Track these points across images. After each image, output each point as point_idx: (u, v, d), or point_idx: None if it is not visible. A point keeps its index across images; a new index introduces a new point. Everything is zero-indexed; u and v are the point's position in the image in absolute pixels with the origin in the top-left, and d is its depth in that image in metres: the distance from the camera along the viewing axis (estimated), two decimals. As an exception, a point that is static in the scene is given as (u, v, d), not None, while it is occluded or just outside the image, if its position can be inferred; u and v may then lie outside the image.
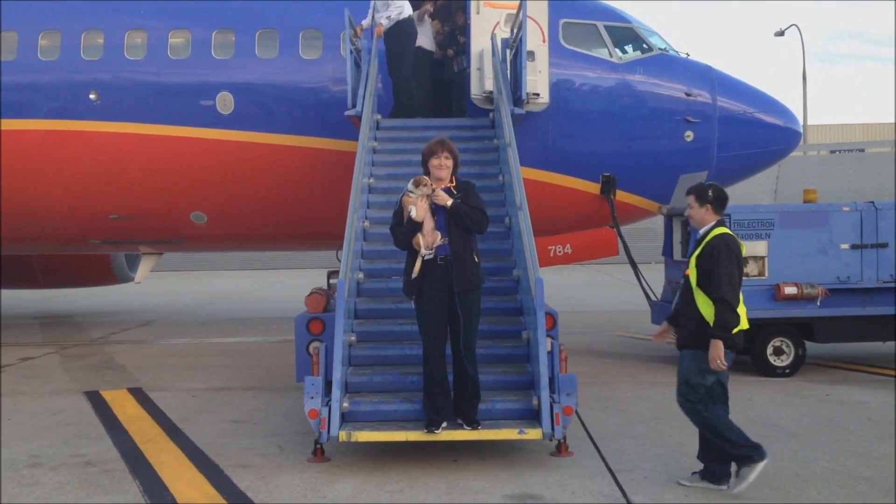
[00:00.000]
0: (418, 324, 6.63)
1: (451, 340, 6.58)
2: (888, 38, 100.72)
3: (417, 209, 6.40)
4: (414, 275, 6.43)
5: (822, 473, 6.23)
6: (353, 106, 10.44)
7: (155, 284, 25.62)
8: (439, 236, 6.42)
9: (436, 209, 6.49)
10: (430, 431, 6.44)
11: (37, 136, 12.17)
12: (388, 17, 10.98)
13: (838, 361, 10.91)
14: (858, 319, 10.15)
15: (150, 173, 12.30)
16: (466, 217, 6.47)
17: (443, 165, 6.58)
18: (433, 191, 6.45)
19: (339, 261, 8.29)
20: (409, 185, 6.51)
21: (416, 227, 6.42)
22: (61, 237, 13.47)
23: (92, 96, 12.14)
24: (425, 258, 6.39)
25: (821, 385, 9.50)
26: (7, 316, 18.42)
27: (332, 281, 9.85)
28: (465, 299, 6.45)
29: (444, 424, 6.49)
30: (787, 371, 9.98)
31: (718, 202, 6.09)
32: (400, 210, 6.56)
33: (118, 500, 5.87)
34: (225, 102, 12.10)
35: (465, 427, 6.51)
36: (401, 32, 11.09)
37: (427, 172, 6.67)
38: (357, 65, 11.03)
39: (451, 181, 6.65)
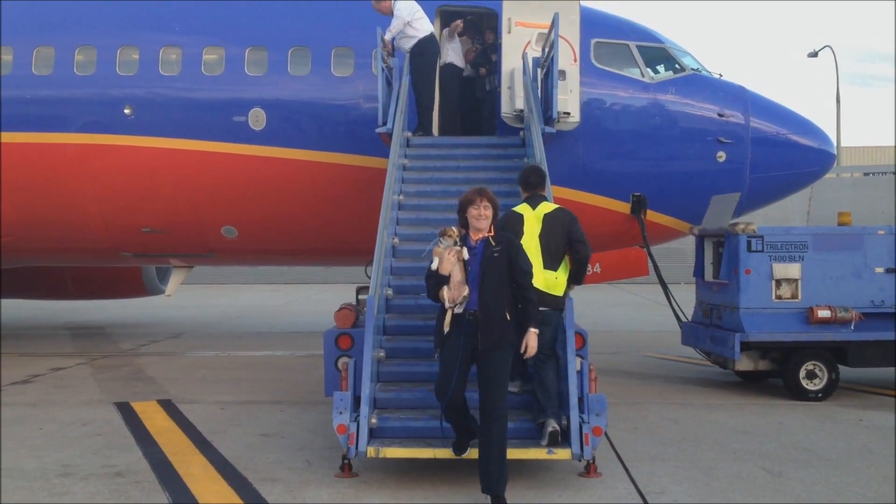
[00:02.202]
0: (438, 376, 6.19)
1: (480, 405, 6.09)
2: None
3: (442, 261, 5.98)
4: (446, 329, 6.02)
5: (856, 499, 6.14)
6: (384, 123, 10.49)
7: (184, 297, 25.78)
8: (466, 290, 5.98)
9: (469, 260, 6.08)
10: (458, 455, 6.33)
11: (72, 149, 12.32)
12: (391, 29, 11.02)
13: (872, 386, 10.75)
14: (892, 344, 10.00)
15: (182, 188, 12.40)
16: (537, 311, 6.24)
17: (482, 216, 6.09)
18: (457, 242, 6.04)
19: (368, 276, 8.31)
20: (438, 236, 6.13)
21: (443, 279, 6.01)
22: (94, 250, 13.61)
23: (126, 111, 12.28)
24: (455, 311, 6.00)
25: (854, 410, 9.36)
26: (39, 326, 18.67)
27: (360, 297, 9.85)
28: (491, 358, 5.98)
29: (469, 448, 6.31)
30: (820, 395, 9.85)
31: (519, 180, 7.56)
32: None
33: (147, 512, 5.91)
34: (257, 118, 12.20)
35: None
36: (423, 50, 11.15)
37: (464, 222, 6.22)
38: (388, 82, 11.09)
39: (489, 230, 6.17)
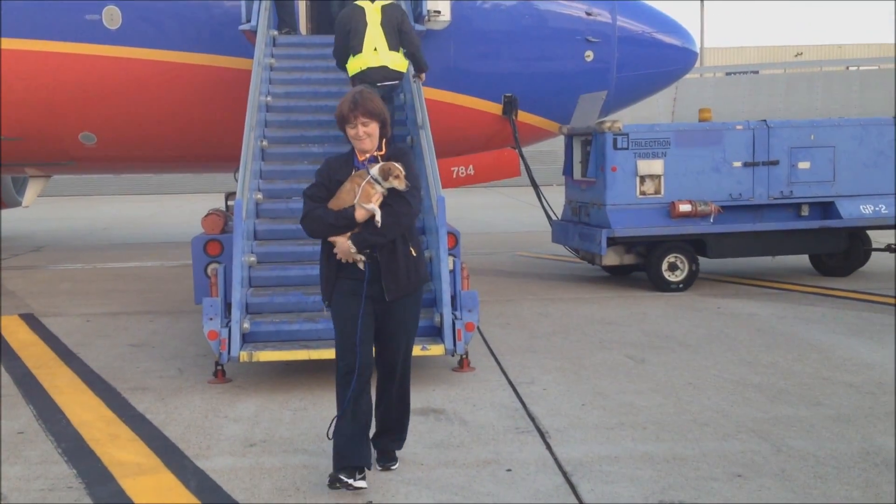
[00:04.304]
0: (335, 341, 4.69)
1: (378, 360, 4.78)
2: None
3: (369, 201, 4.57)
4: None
5: (713, 381, 6.49)
6: (248, 20, 10.09)
7: (45, 209, 24.66)
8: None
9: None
10: (348, 486, 4.41)
11: None
12: None
13: (729, 276, 11.32)
14: (749, 235, 10.53)
15: (33, 92, 11.66)
16: (391, 232, 4.55)
17: (361, 135, 4.57)
18: (407, 186, 4.59)
19: (238, 182, 8.10)
20: (375, 173, 4.55)
21: (355, 223, 4.55)
22: (-59, 160, 12.75)
23: (-30, 10, 11.37)
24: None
25: (713, 299, 9.85)
26: None
27: (230, 202, 9.65)
28: (400, 308, 4.66)
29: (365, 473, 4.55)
30: (681, 286, 10.30)
31: None
32: (324, 189, 4.64)
33: (12, 425, 5.70)
34: (112, 17, 11.51)
35: (378, 466, 4.82)
36: None
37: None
38: (252, -23, 10.60)
39: (380, 149, 4.67)
